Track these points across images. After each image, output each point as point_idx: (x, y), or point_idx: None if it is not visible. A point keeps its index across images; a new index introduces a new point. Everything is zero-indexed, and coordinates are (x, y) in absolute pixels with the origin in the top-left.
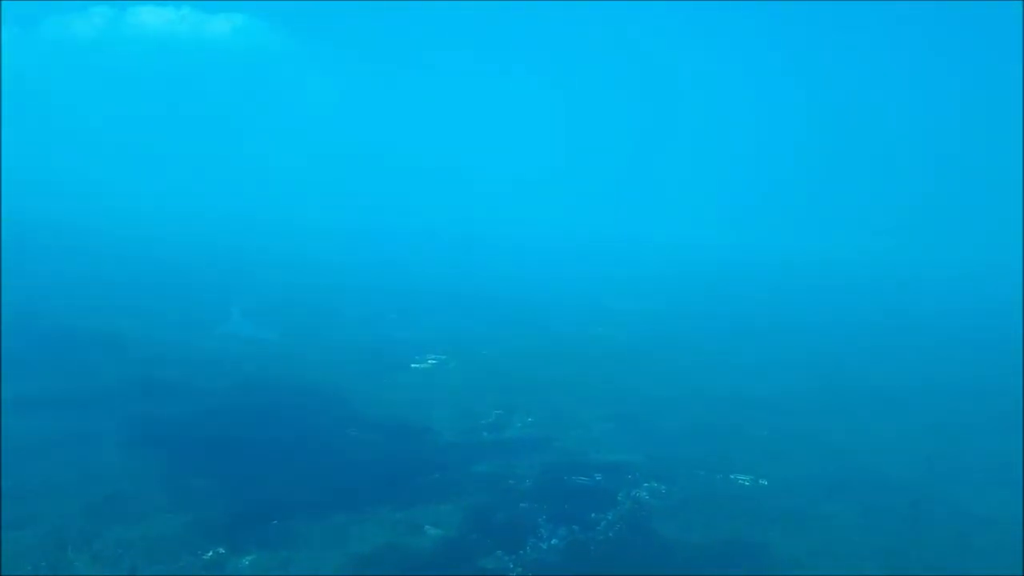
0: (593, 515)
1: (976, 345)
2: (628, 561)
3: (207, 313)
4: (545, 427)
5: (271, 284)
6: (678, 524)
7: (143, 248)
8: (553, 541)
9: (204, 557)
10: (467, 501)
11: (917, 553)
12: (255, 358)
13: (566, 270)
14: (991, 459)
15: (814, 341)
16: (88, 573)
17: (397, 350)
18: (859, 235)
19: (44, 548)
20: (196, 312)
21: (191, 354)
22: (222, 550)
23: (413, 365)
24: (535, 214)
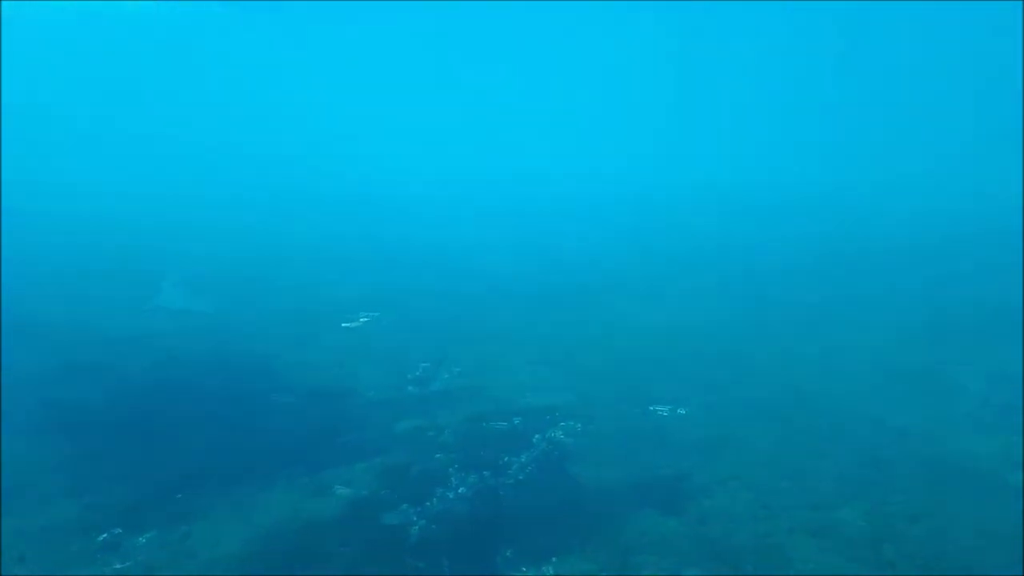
0: (506, 459)
1: (914, 262)
2: (533, 502)
3: (136, 289)
4: (472, 376)
5: (205, 254)
6: (592, 460)
7: (65, 226)
8: (461, 489)
9: (98, 539)
10: (382, 459)
11: (828, 468)
12: (181, 332)
13: (509, 215)
14: (913, 373)
15: (750, 268)
16: None
17: (330, 311)
18: (807, 160)
19: None
20: (125, 289)
21: (114, 333)
22: (118, 530)
23: (344, 324)
24: (474, 161)
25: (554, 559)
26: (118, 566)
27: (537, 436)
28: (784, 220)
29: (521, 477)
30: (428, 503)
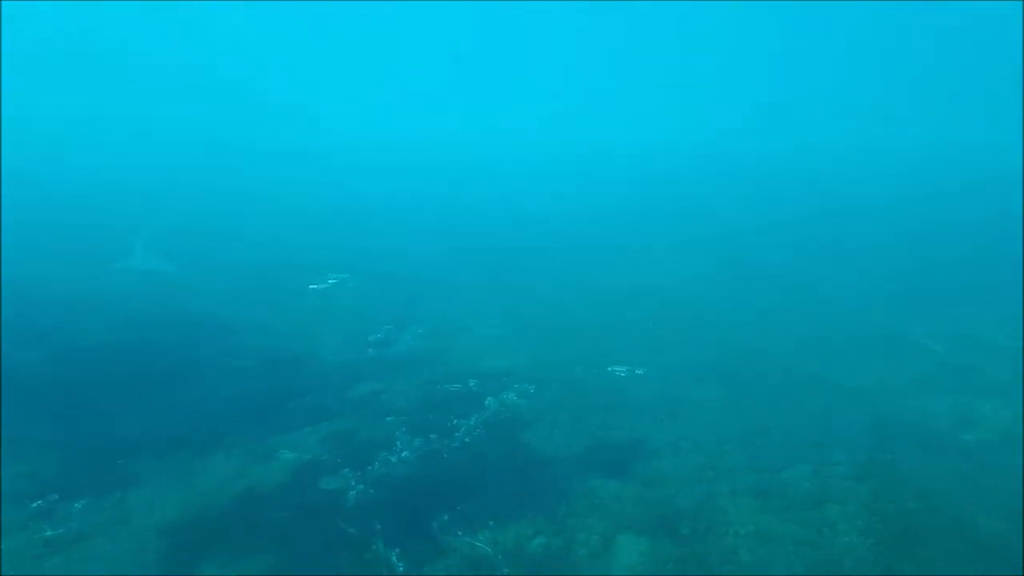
0: (455, 422)
1: (890, 223)
2: (477, 465)
3: (107, 248)
4: (433, 338)
5: (179, 213)
6: (543, 423)
7: (38, 182)
8: (404, 453)
9: (32, 506)
10: (332, 423)
11: (778, 430)
12: (146, 293)
13: (490, 177)
14: (876, 334)
15: (726, 231)
16: None
17: (298, 273)
18: (793, 124)
19: None
20: (94, 248)
21: (76, 293)
22: (54, 497)
23: (311, 286)
24: (449, 122)
25: (491, 523)
26: (49, 533)
27: (490, 399)
28: (767, 182)
29: (467, 440)
30: (370, 467)
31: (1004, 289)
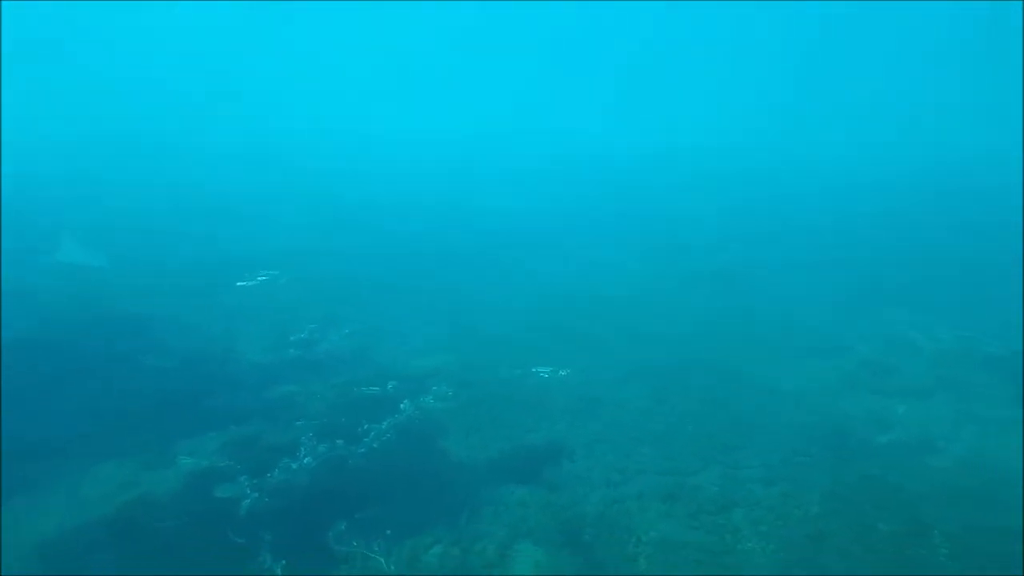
0: (365, 426)
1: (841, 228)
2: (382, 472)
3: (34, 242)
4: (360, 338)
5: (113, 207)
6: (458, 426)
7: None
8: (307, 460)
9: None
10: (239, 427)
11: (694, 432)
12: (70, 289)
13: (438, 168)
14: (804, 335)
15: (679, 234)
16: None
17: (228, 269)
18: (745, 123)
19: None
20: (21, 241)
21: None
22: None
23: (239, 283)
24: (391, 112)
25: (389, 532)
26: None
27: (406, 402)
28: (731, 186)
29: (375, 446)
30: (269, 474)
31: (934, 291)
